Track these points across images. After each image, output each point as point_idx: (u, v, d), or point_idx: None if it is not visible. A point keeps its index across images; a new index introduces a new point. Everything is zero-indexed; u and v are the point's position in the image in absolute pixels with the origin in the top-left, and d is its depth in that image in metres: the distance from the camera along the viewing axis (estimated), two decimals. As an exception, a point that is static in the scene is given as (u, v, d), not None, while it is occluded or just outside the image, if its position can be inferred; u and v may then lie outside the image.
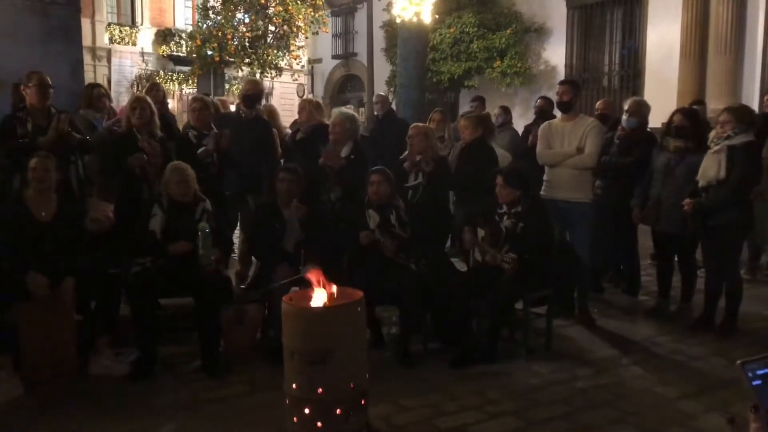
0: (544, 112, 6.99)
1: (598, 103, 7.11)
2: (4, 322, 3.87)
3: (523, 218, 4.52)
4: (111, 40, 21.86)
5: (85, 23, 19.86)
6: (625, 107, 5.71)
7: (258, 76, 17.48)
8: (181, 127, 6.16)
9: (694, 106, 6.54)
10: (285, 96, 24.09)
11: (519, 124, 8.20)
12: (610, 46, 14.03)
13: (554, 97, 5.64)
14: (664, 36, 12.45)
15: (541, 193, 5.36)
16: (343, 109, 5.63)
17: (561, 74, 14.40)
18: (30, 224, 4.08)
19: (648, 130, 5.81)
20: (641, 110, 5.73)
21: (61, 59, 5.42)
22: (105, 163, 4.92)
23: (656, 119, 6.34)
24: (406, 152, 5.30)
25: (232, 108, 7.67)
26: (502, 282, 4.32)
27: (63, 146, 4.65)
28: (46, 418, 3.60)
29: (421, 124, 5.60)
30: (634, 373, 4.28)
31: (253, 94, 6.06)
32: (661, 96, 10.80)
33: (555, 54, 14.58)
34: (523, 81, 14.28)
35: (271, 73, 18.19)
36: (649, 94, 12.53)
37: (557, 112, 5.68)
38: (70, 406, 3.74)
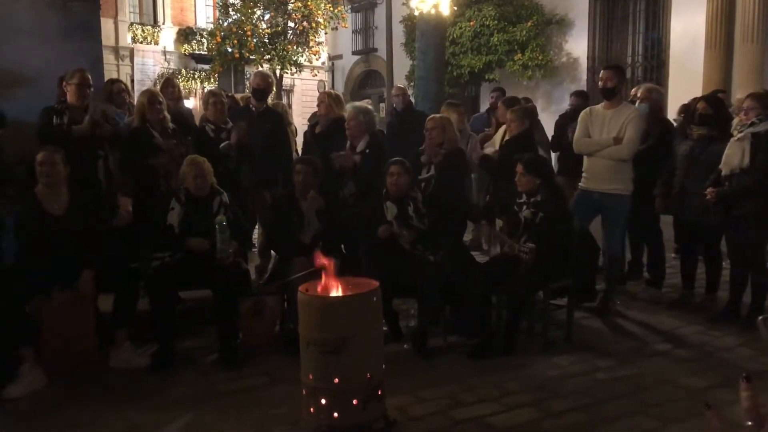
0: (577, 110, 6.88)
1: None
2: (26, 315, 3.92)
3: (543, 208, 4.46)
4: (133, 40, 22.09)
5: (108, 23, 20.12)
6: (637, 94, 5.62)
7: (278, 72, 17.54)
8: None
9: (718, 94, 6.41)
10: (306, 92, 24.16)
11: (541, 118, 8.08)
12: (633, 37, 13.81)
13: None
14: (688, 25, 12.24)
15: (580, 185, 5.26)
16: (356, 103, 5.61)
17: (583, 66, 14.25)
18: (42, 219, 4.12)
19: (663, 116, 5.70)
20: (652, 96, 5.64)
21: (81, 56, 5.43)
22: (123, 159, 4.95)
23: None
24: (422, 147, 5.25)
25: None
26: (520, 273, 4.28)
27: (94, 139, 4.70)
28: (67, 409, 3.64)
29: (438, 116, 5.55)
30: (657, 364, 4.21)
31: (263, 87, 6.06)
32: (686, 87, 10.63)
33: (577, 46, 14.41)
34: (544, 74, 14.14)
35: (291, 70, 18.23)
36: (674, 85, 12.36)
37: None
38: (91, 398, 3.78)
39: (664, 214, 5.39)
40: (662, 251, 5.80)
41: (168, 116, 5.05)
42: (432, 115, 5.62)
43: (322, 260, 3.36)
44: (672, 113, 7.39)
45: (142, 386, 3.94)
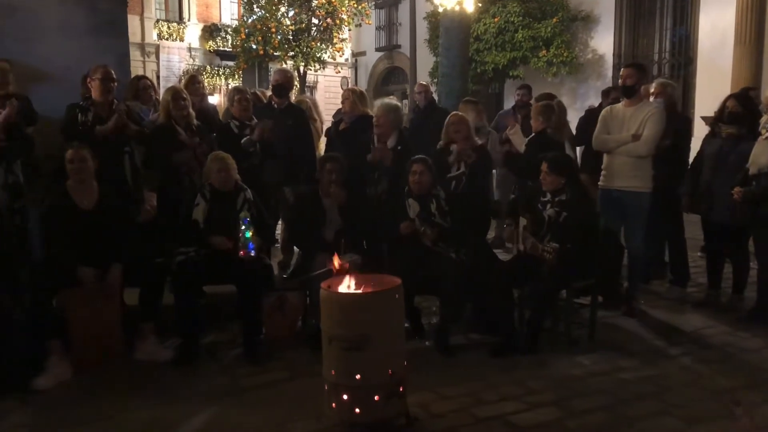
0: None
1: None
2: (54, 308, 3.99)
3: (568, 207, 4.43)
4: (159, 36, 22.31)
5: (135, 20, 20.36)
6: (651, 89, 5.56)
7: (302, 69, 17.60)
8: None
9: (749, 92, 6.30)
10: (329, 89, 24.23)
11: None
12: (661, 33, 13.64)
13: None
14: (717, 22, 12.05)
15: (599, 183, 5.23)
16: (386, 99, 5.58)
17: (609, 63, 14.13)
18: (73, 213, 4.18)
19: (678, 111, 5.62)
20: (666, 90, 5.57)
21: (108, 52, 5.51)
22: (148, 155, 5.01)
23: (710, 108, 6.13)
24: (443, 141, 5.23)
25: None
26: (544, 271, 4.25)
27: (119, 136, 4.76)
28: (93, 401, 3.70)
29: (460, 113, 5.53)
30: (682, 364, 4.16)
31: (284, 83, 6.07)
32: (714, 84, 10.47)
33: (603, 42, 14.27)
34: (569, 70, 14.05)
35: (314, 66, 18.29)
36: (701, 83, 12.20)
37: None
38: (116, 390, 3.84)
39: (691, 213, 5.31)
40: (685, 250, 5.73)
41: (193, 113, 5.09)
42: (454, 112, 5.60)
43: (336, 263, 3.38)
44: (699, 110, 7.29)
45: (166, 379, 3.99)
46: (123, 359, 4.22)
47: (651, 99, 5.44)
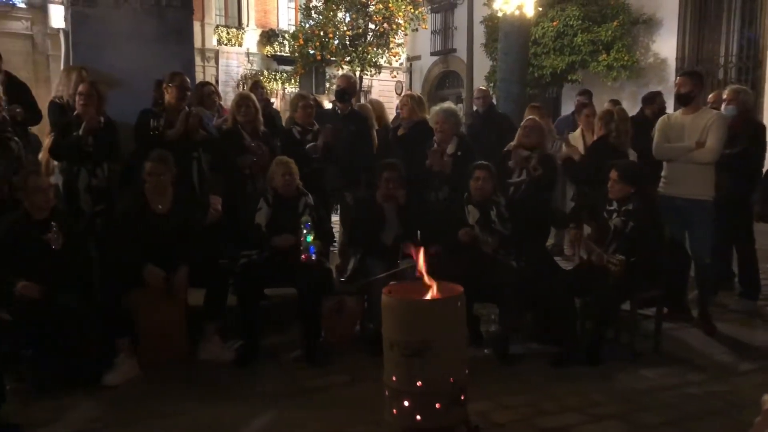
0: None
1: (710, 96, 6.66)
2: (123, 308, 4.12)
3: (635, 217, 4.32)
4: (219, 42, 22.75)
5: (196, 26, 20.79)
6: (723, 96, 5.38)
7: (357, 73, 17.71)
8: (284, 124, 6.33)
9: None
10: (383, 93, 24.24)
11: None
12: (727, 36, 13.17)
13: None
14: (788, 23, 11.60)
15: (659, 189, 5.10)
16: (444, 105, 5.56)
17: (672, 67, 13.71)
18: (146, 216, 4.31)
19: (753, 118, 5.42)
20: (739, 97, 5.38)
21: (175, 59, 5.65)
22: (213, 160, 5.12)
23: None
24: (512, 143, 5.16)
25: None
26: (608, 282, 4.15)
27: (187, 142, 4.89)
28: (159, 398, 3.80)
29: (537, 118, 5.45)
30: (754, 381, 4.00)
31: (346, 88, 6.12)
32: (785, 88, 10.08)
33: (665, 46, 13.89)
34: (630, 75, 13.70)
35: (370, 71, 18.37)
36: (771, 87, 11.75)
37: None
38: (180, 389, 3.94)
39: (763, 222, 5.12)
40: (755, 261, 5.52)
41: (261, 119, 5.19)
42: (531, 116, 5.53)
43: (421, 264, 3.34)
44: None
45: (227, 379, 4.06)
46: (187, 358, 4.32)
47: (723, 106, 5.27)
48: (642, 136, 5.48)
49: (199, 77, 14.55)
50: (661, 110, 6.41)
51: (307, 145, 5.36)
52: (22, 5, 16.96)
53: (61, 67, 7.38)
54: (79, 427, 3.47)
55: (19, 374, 3.84)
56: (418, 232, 4.99)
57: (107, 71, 5.49)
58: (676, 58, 13.70)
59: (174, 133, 4.79)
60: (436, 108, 5.45)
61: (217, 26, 23.02)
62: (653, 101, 6.70)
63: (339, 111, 6.01)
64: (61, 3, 11.43)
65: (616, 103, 6.69)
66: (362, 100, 20.48)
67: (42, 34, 17.17)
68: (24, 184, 4.05)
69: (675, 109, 5.61)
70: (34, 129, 5.65)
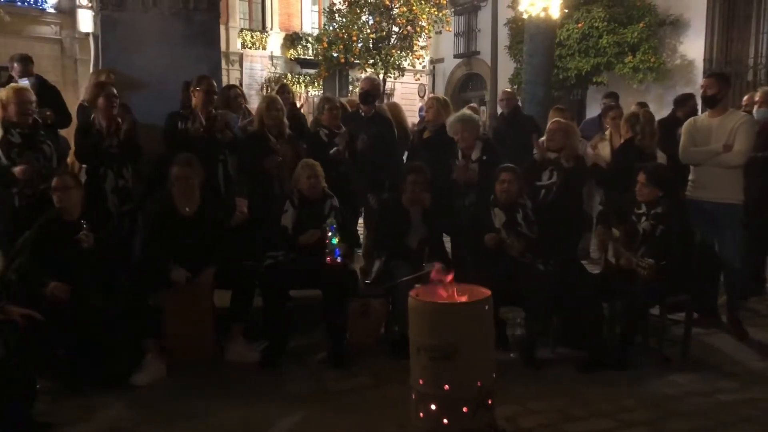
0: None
1: (744, 98, 6.56)
2: (151, 309, 4.15)
3: (664, 221, 4.26)
4: (243, 45, 22.91)
5: (220, 29, 21.00)
6: (756, 98, 5.29)
7: (381, 76, 17.73)
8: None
9: None
10: (406, 96, 24.24)
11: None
12: (757, 37, 12.97)
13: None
14: (819, 24, 11.39)
15: (686, 193, 5.03)
16: (458, 114, 5.53)
17: (699, 69, 13.53)
18: (174, 218, 4.35)
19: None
20: None
21: (202, 62, 5.70)
22: (240, 162, 5.15)
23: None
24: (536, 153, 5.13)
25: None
26: (637, 286, 4.10)
27: (213, 144, 4.93)
28: (186, 399, 3.83)
29: (563, 120, 5.41)
30: (786, 389, 3.93)
31: (370, 91, 6.13)
32: (816, 90, 9.86)
33: (693, 47, 13.72)
34: (656, 77, 13.56)
35: (393, 74, 18.39)
36: (802, 89, 11.50)
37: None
38: (206, 390, 3.95)
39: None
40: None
41: (287, 122, 5.23)
42: (557, 118, 5.49)
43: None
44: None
45: (254, 381, 4.08)
46: (213, 359, 4.34)
47: (755, 108, 5.19)
48: (673, 139, 5.41)
49: (223, 80, 14.67)
50: (693, 112, 6.31)
51: (331, 151, 5.37)
52: (52, 10, 17.23)
53: (90, 70, 7.49)
54: (108, 426, 3.51)
55: (51, 374, 3.89)
56: (443, 235, 4.98)
57: (136, 74, 5.57)
58: (704, 60, 13.52)
59: (197, 129, 4.83)
60: (451, 119, 5.41)
61: (242, 30, 23.17)
62: (685, 103, 6.60)
63: (363, 113, 6.02)
64: (90, 8, 11.61)
65: (642, 105, 6.60)
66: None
67: (70, 39, 17.43)
68: (56, 186, 4.12)
69: (703, 112, 5.54)
70: (63, 132, 5.74)
